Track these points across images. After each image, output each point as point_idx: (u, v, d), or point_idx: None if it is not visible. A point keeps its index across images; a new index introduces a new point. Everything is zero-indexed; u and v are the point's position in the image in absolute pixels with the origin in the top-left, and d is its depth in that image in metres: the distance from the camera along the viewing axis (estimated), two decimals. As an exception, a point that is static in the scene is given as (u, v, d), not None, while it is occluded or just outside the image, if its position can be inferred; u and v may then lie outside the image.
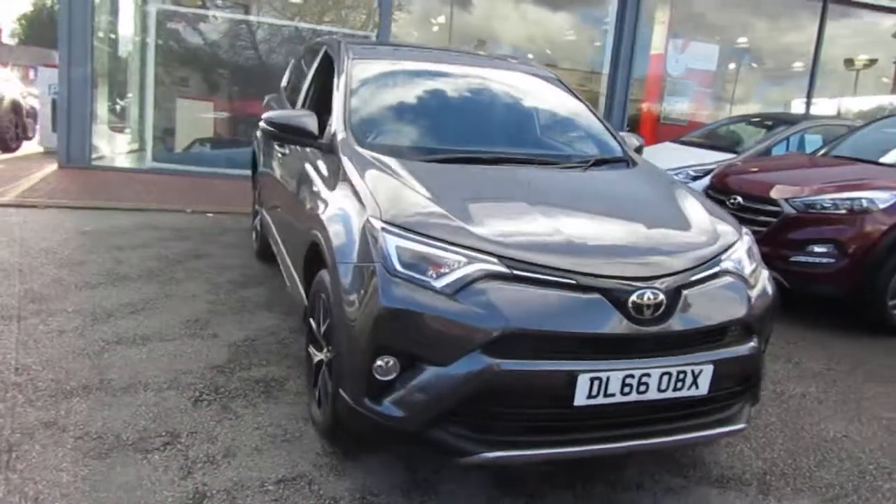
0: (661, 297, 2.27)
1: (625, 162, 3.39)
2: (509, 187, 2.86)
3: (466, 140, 3.35)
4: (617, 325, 2.20)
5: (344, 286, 2.35)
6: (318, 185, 3.00)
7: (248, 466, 2.52)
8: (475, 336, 2.13)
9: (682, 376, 2.28)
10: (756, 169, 5.66)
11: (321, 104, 3.77)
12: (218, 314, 3.99)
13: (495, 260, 2.22)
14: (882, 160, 5.41)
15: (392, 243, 2.28)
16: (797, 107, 11.75)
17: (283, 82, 5.35)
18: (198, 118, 9.35)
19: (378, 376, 2.25)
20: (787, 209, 4.76)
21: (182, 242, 5.50)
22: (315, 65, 4.07)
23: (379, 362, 2.24)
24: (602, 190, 3.04)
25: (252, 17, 9.90)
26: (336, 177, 2.84)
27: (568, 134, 3.59)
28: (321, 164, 3.09)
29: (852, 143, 6.12)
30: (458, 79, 3.75)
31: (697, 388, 2.32)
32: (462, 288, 2.17)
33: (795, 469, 2.86)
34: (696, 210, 2.84)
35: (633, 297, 2.23)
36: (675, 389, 2.28)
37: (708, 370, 2.31)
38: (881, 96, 13.48)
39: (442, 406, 2.18)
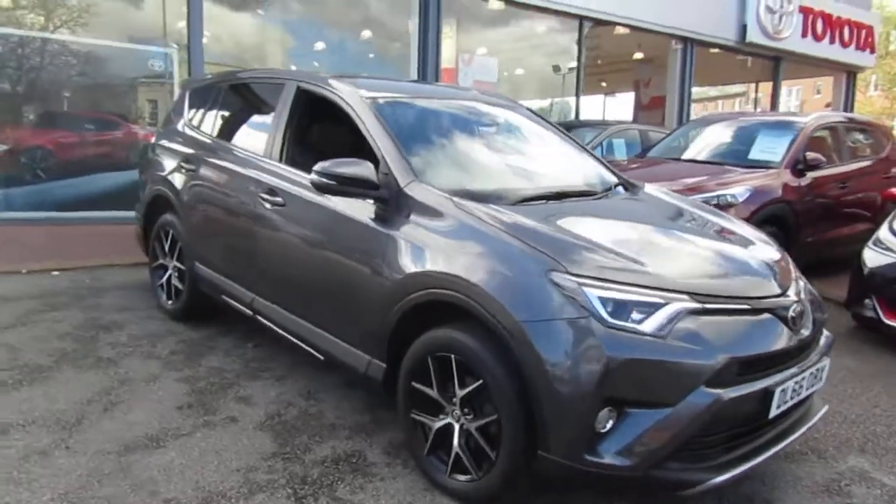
0: (803, 306, 2.58)
1: (623, 186, 3.65)
2: (622, 221, 2.98)
3: (523, 176, 3.34)
4: (787, 338, 2.46)
5: (542, 345, 2.25)
6: (398, 238, 2.77)
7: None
8: (700, 372, 2.22)
9: (818, 373, 2.62)
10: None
11: (322, 150, 3.46)
12: (206, 393, 3.43)
13: (686, 297, 2.32)
14: (709, 159, 6.50)
15: (594, 294, 2.26)
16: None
17: (183, 119, 4.64)
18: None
19: (598, 429, 2.22)
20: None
21: (64, 312, 4.53)
22: (287, 105, 3.64)
23: (600, 415, 2.21)
24: (676, 216, 3.24)
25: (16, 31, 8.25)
26: (436, 230, 2.67)
27: (577, 164, 3.74)
28: (386, 215, 2.86)
29: (668, 146, 7.22)
30: (479, 116, 3.71)
31: (821, 381, 2.68)
32: (667, 328, 2.24)
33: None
34: (740, 225, 3.22)
35: (791, 312, 2.51)
36: (812, 386, 2.61)
37: (827, 364, 2.68)
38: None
39: (673, 445, 2.23)
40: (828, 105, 19.15)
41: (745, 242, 3.01)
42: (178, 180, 4.22)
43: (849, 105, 16.10)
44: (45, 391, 3.33)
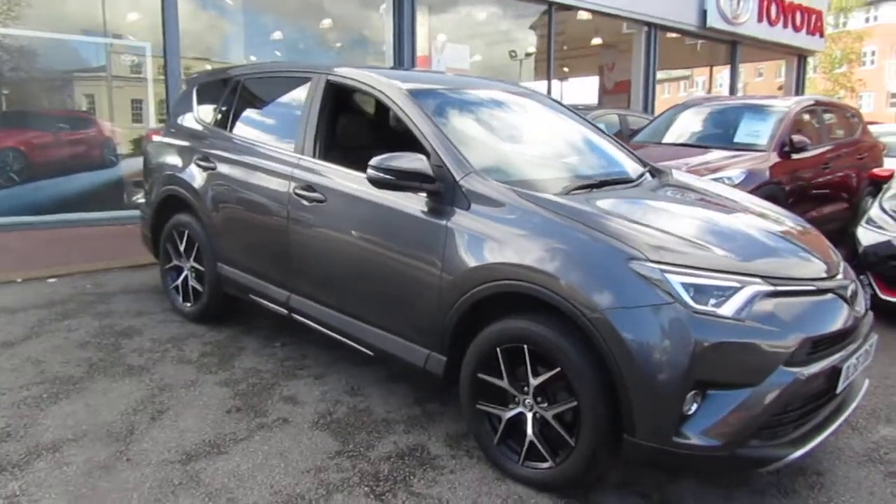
0: (856, 285, 2.70)
1: (651, 172, 3.73)
2: (671, 207, 3.06)
3: (565, 165, 3.38)
4: (848, 316, 2.57)
5: (628, 332, 2.30)
6: (458, 231, 2.78)
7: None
8: (780, 352, 2.31)
9: (870, 349, 2.74)
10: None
11: (358, 144, 3.43)
12: (250, 395, 3.38)
13: (759, 280, 2.41)
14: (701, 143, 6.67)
15: (677, 281, 2.32)
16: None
17: (192, 115, 4.52)
18: None
19: (686, 411, 2.29)
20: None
21: (76, 320, 4.38)
22: (316, 99, 3.58)
23: (688, 397, 2.28)
24: (717, 200, 3.32)
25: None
26: (501, 221, 2.69)
27: (608, 151, 3.79)
28: (442, 208, 2.86)
29: (654, 130, 7.37)
30: (510, 105, 3.72)
31: (871, 356, 2.80)
32: (745, 311, 2.32)
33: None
34: (773, 207, 3.34)
35: (849, 291, 2.62)
36: (865, 361, 2.73)
37: (875, 340, 2.81)
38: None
39: (756, 424, 2.32)
40: (780, 88, 19.78)
41: (791, 225, 3.11)
42: (195, 179, 4.12)
43: (800, 88, 16.67)
44: (86, 403, 3.23)
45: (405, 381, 3.55)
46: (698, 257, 2.43)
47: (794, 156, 6.26)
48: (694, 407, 2.30)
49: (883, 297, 4.87)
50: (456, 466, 2.81)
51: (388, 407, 3.31)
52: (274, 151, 3.71)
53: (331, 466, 2.77)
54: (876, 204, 5.36)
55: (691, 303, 2.29)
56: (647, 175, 3.61)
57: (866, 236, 5.11)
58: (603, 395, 2.40)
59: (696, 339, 2.23)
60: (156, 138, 4.71)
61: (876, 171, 6.68)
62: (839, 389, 2.52)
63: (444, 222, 2.83)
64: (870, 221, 5.21)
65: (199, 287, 4.26)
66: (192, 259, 4.27)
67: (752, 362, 2.30)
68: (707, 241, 2.57)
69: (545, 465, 2.61)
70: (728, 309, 2.31)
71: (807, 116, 6.90)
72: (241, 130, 4.07)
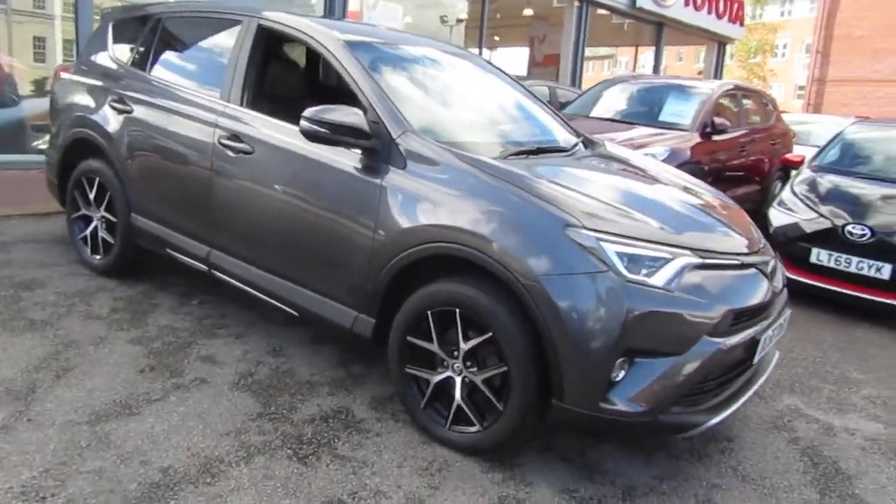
0: (775, 261, 2.80)
1: (584, 142, 3.75)
2: (606, 177, 3.08)
3: (502, 130, 3.33)
4: (768, 290, 2.67)
5: (562, 299, 2.30)
6: (392, 191, 2.70)
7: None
8: (705, 323, 2.37)
9: (784, 322, 2.86)
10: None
11: (289, 95, 3.28)
12: (165, 354, 3.22)
13: (689, 252, 2.45)
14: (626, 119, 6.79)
15: (612, 249, 2.33)
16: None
17: (107, 54, 4.18)
18: None
19: (613, 378, 2.33)
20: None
21: (-32, 270, 4.04)
22: (246, 44, 3.37)
23: (616, 364, 2.31)
24: (650, 173, 3.34)
25: None
26: (438, 183, 2.63)
27: (544, 118, 3.77)
28: (376, 166, 2.77)
29: (583, 104, 7.45)
30: (447, 65, 3.62)
31: (784, 331, 2.93)
32: (675, 282, 2.36)
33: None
34: (698, 183, 3.42)
35: (769, 267, 2.72)
36: (780, 333, 2.86)
37: (789, 314, 2.94)
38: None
39: (679, 391, 2.38)
40: (700, 73, 20.42)
41: (718, 202, 3.20)
42: (109, 122, 3.84)
43: (719, 73, 17.26)
44: (-18, 358, 2.99)
45: (330, 343, 3.47)
46: (632, 227, 2.46)
47: (715, 137, 6.47)
48: (621, 374, 2.34)
49: (789, 275, 5.11)
50: (381, 430, 2.77)
51: (311, 369, 3.23)
52: (197, 97, 3.50)
53: (252, 429, 2.68)
54: (788, 187, 5.62)
55: (624, 272, 2.31)
56: (581, 145, 3.62)
57: (777, 217, 5.36)
58: (533, 360, 2.40)
59: (628, 308, 2.26)
60: (65, 76, 4.36)
61: (788, 156, 7.00)
62: (756, 360, 2.63)
63: (378, 181, 2.75)
64: (781, 204, 5.45)
65: (109, 239, 4.00)
66: (102, 208, 4.00)
67: (679, 332, 2.35)
68: (640, 212, 2.60)
69: (472, 429, 2.61)
70: (659, 279, 2.34)
71: (727, 100, 7.14)
72: (162, 72, 3.81)
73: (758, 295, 2.60)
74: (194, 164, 3.39)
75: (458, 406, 2.63)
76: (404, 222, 2.65)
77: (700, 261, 2.45)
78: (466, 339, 2.56)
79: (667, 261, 2.39)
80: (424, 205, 2.63)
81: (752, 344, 2.57)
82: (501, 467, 2.59)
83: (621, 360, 2.32)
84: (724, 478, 2.70)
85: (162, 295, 3.95)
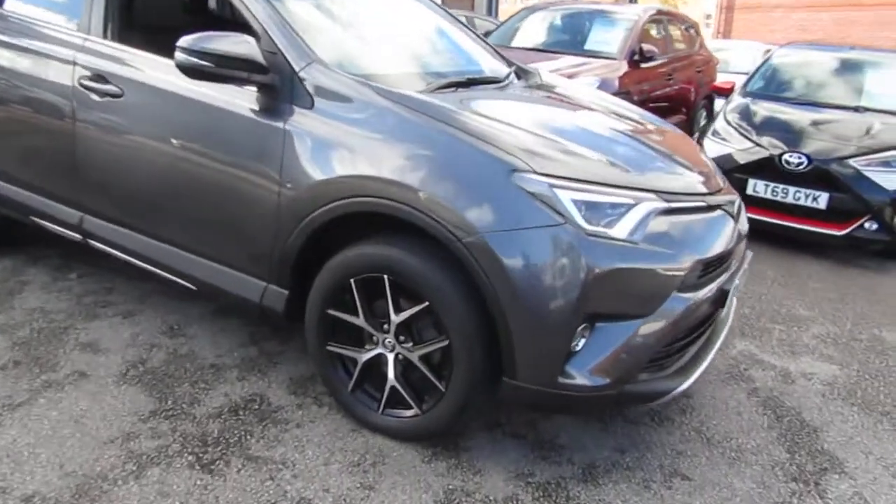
0: (739, 200, 2.50)
1: (517, 73, 3.33)
2: (551, 111, 2.68)
3: (425, 62, 2.85)
4: (734, 234, 2.37)
5: (510, 259, 1.92)
6: (299, 136, 2.23)
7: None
8: (674, 277, 2.05)
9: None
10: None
11: (163, 23, 2.69)
12: (35, 345, 2.69)
13: (653, 195, 2.11)
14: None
15: (567, 197, 1.95)
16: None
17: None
18: None
19: (573, 348, 1.99)
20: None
21: None
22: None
23: (577, 332, 1.97)
24: (596, 105, 2.94)
25: None
26: (354, 125, 2.17)
27: (470, 48, 3.30)
28: (277, 106, 2.28)
29: (505, 33, 7.00)
30: None
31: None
32: (639, 231, 2.02)
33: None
34: (650, 115, 3.07)
35: (734, 207, 2.42)
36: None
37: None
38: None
39: (646, 358, 2.07)
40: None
41: (673, 136, 2.87)
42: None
43: None
44: None
45: (237, 316, 3.00)
46: (588, 169, 2.08)
47: (643, 65, 6.16)
48: (581, 343, 2.00)
49: (725, 208, 4.94)
50: (303, 418, 2.37)
51: (216, 349, 2.76)
52: (51, 30, 2.85)
53: (144, 432, 2.21)
54: (721, 116, 5.39)
55: (583, 223, 1.94)
56: (514, 76, 3.19)
57: (712, 148, 5.13)
58: (479, 332, 2.04)
59: (589, 266, 1.90)
60: None
61: (718, 83, 6.80)
62: (724, 313, 2.35)
63: (280, 124, 2.26)
64: (715, 133, 5.23)
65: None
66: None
67: (646, 290, 2.02)
68: (594, 151, 2.23)
69: (409, 413, 2.24)
70: (622, 229, 1.99)
71: (652, 26, 6.82)
72: (11, 3, 3.10)
73: (725, 240, 2.29)
74: (51, 112, 2.77)
75: (393, 387, 2.25)
76: (315, 174, 2.19)
77: (665, 205, 2.11)
78: (398, 310, 2.16)
79: (629, 207, 2.03)
80: (339, 151, 2.17)
81: (722, 296, 2.28)
82: (445, 454, 2.25)
83: (582, 327, 1.97)
84: (689, 442, 2.45)
85: (33, 270, 3.35)
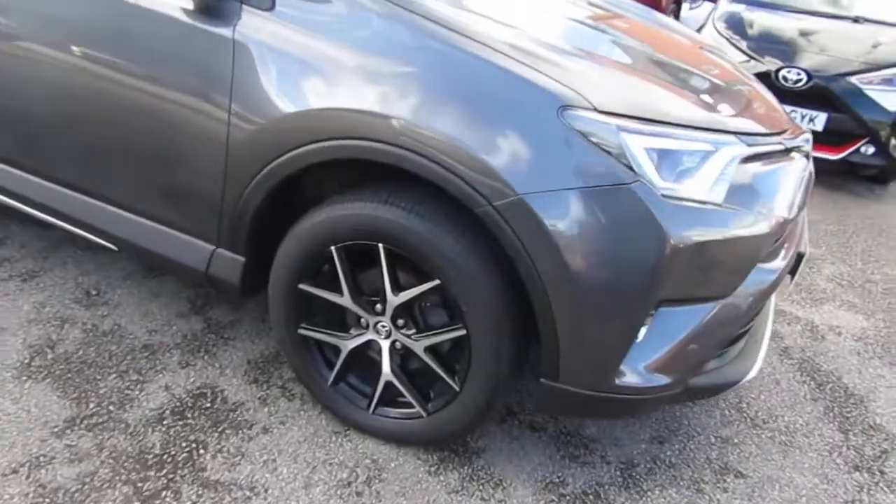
0: (811, 138, 2.04)
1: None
2: (579, 24, 2.08)
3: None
4: (811, 182, 1.92)
5: (560, 229, 1.40)
6: (255, 49, 1.61)
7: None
8: (761, 245, 1.60)
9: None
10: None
11: None
12: None
13: (734, 138, 1.61)
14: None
15: (638, 145, 1.43)
16: None
17: None
18: None
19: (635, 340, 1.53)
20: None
21: None
22: None
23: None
24: (628, 16, 2.38)
25: None
26: (335, 33, 1.56)
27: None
28: (222, 6, 1.64)
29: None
30: None
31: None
32: (722, 187, 1.53)
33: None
34: (686, 29, 2.53)
35: (809, 147, 1.95)
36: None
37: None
38: None
39: (720, 347, 1.64)
40: None
41: (719, 57, 2.34)
42: None
43: None
44: None
45: (175, 277, 2.41)
46: (660, 106, 1.55)
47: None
48: (642, 333, 1.53)
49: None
50: (270, 419, 1.86)
51: (149, 322, 2.18)
52: None
53: (58, 453, 1.66)
54: (709, 24, 4.88)
55: (657, 180, 1.43)
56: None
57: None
58: (508, 321, 1.55)
59: (667, 237, 1.41)
60: None
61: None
62: (795, 280, 1.93)
63: (227, 31, 1.62)
64: (703, 45, 4.71)
65: None
66: None
67: (730, 264, 1.55)
68: (659, 79, 1.69)
69: (409, 411, 1.77)
70: (702, 185, 1.49)
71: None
72: None
73: (804, 191, 1.83)
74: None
75: (388, 382, 1.75)
76: (280, 104, 1.58)
77: (749, 150, 1.61)
78: (397, 288, 1.64)
79: (708, 155, 1.53)
80: (312, 73, 1.56)
81: (798, 260, 1.85)
82: (455, 461, 1.80)
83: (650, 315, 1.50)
84: (731, 425, 2.08)
85: None
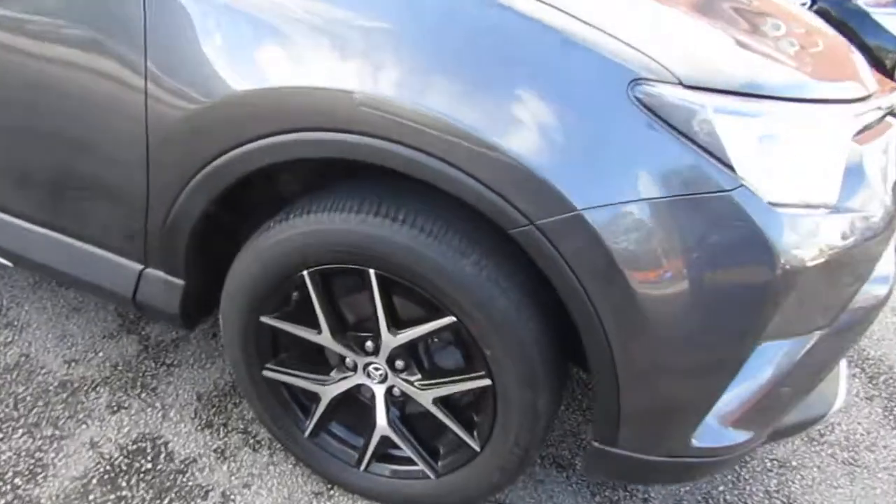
0: None
1: None
2: None
3: None
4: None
5: (632, 253, 0.99)
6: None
7: None
8: (881, 253, 1.22)
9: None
10: None
11: None
12: None
13: (843, 110, 1.19)
14: None
15: (740, 132, 1.01)
16: None
17: None
18: None
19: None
20: None
21: None
22: None
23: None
24: None
25: None
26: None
27: None
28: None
29: None
30: None
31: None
32: (835, 180, 1.12)
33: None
34: None
35: (898, 112, 1.55)
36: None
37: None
38: None
39: (815, 385, 1.28)
40: None
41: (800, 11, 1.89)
42: None
43: None
44: None
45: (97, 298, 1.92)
46: (759, 76, 1.11)
47: None
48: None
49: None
50: (232, 482, 1.44)
51: (67, 347, 1.72)
52: None
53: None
54: None
55: (767, 182, 1.02)
56: None
57: None
58: (550, 373, 1.15)
59: (779, 260, 1.01)
60: None
61: None
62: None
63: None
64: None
65: None
66: None
67: (843, 284, 1.17)
68: (755, 45, 1.25)
69: (411, 469, 1.38)
70: (814, 183, 1.09)
71: None
72: None
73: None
74: None
75: (385, 437, 1.35)
76: (232, 79, 1.11)
77: (858, 123, 1.20)
78: (396, 325, 1.21)
79: (819, 138, 1.11)
80: (275, 32, 1.08)
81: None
82: (472, 525, 1.42)
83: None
84: (786, 443, 1.76)
85: None
